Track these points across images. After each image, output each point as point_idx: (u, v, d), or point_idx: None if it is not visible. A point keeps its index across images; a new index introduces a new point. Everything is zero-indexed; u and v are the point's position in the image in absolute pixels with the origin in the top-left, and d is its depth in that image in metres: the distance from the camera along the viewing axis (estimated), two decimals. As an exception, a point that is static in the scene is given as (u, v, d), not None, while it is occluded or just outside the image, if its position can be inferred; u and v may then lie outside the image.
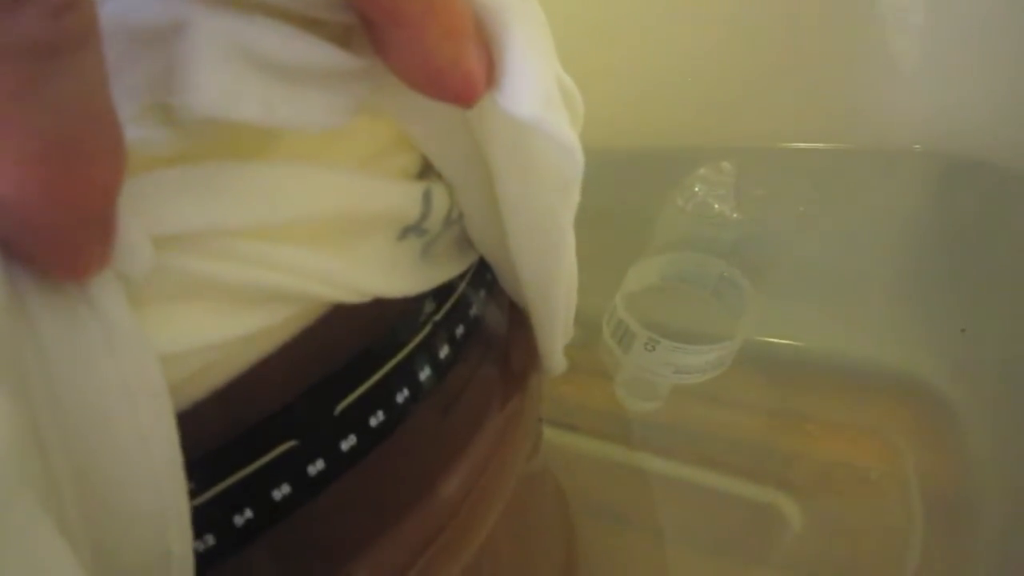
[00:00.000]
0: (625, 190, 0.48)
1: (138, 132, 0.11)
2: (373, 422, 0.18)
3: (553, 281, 0.21)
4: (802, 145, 0.45)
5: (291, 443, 0.16)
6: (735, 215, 0.45)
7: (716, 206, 0.45)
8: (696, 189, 0.45)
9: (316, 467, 0.17)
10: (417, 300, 0.19)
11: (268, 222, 0.14)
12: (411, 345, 0.19)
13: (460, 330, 0.20)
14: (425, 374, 0.19)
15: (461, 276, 0.21)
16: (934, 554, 0.38)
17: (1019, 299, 0.40)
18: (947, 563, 0.37)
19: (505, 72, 0.14)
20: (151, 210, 0.12)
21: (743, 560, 0.40)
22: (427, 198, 0.17)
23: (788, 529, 0.41)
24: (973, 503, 0.39)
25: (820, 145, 0.45)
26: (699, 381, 0.42)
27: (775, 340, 0.49)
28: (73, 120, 0.09)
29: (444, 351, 0.20)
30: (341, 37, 0.14)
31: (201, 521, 0.14)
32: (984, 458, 0.40)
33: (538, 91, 0.14)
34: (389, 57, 0.13)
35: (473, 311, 0.21)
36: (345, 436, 0.17)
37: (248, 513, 0.16)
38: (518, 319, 0.25)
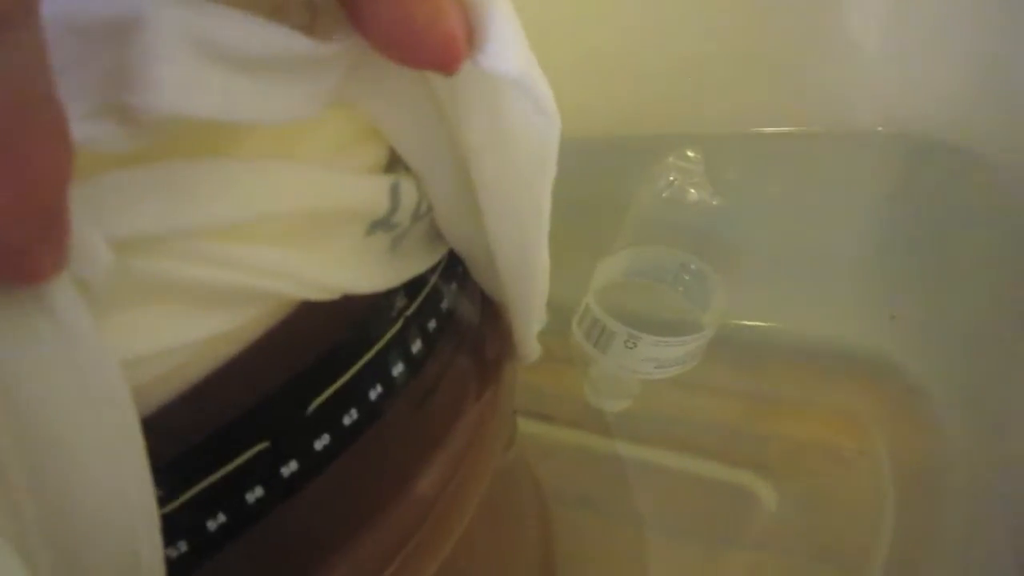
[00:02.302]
0: (592, 178, 0.48)
1: (93, 130, 0.11)
2: (347, 420, 0.17)
3: (529, 262, 0.21)
4: (767, 130, 0.46)
5: (263, 445, 0.16)
6: (715, 202, 0.45)
7: (692, 191, 0.45)
8: (671, 178, 0.45)
9: (289, 468, 0.16)
10: (388, 295, 0.19)
11: (232, 221, 0.13)
12: (383, 341, 0.18)
13: (432, 324, 0.20)
14: (398, 370, 0.19)
15: (432, 270, 0.21)
16: (907, 530, 0.38)
17: (984, 278, 0.41)
18: (919, 538, 0.38)
19: (487, 32, 0.14)
20: (109, 213, 0.11)
21: (719, 542, 0.41)
22: (395, 192, 0.17)
23: (763, 510, 0.41)
24: (943, 479, 0.39)
25: (784, 129, 0.45)
26: (678, 374, 0.42)
27: (746, 323, 0.49)
28: (14, 100, 0.09)
29: (417, 346, 0.19)
30: (305, 24, 0.13)
31: (172, 528, 0.14)
32: (953, 435, 0.40)
33: (521, 50, 0.14)
34: (364, 24, 0.13)
35: (445, 304, 0.21)
36: (318, 436, 0.17)
37: (221, 517, 0.15)
38: (490, 311, 0.24)
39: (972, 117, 0.40)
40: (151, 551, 0.13)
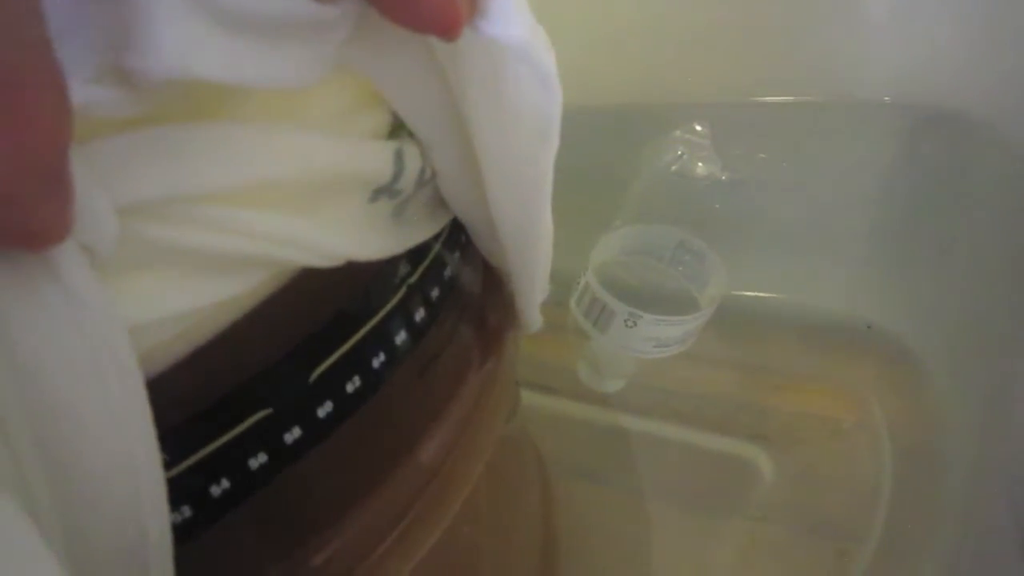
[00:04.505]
0: (596, 149, 0.47)
1: (94, 94, 0.11)
2: (349, 388, 0.17)
3: (532, 232, 0.20)
4: (774, 99, 0.45)
5: (266, 411, 0.16)
6: (724, 176, 0.44)
7: (701, 166, 0.45)
8: (680, 152, 0.45)
9: (292, 435, 0.16)
10: (391, 263, 0.18)
11: (236, 186, 0.13)
12: (386, 309, 0.18)
13: (435, 292, 0.20)
14: (401, 338, 0.19)
15: (435, 237, 0.20)
16: (903, 503, 0.38)
17: (984, 250, 0.40)
18: (916, 511, 0.38)
19: None
20: (114, 178, 0.11)
21: (717, 512, 0.41)
22: (399, 158, 0.17)
23: (761, 481, 0.42)
24: (940, 451, 0.39)
25: (792, 99, 0.45)
26: (676, 353, 0.42)
27: (745, 295, 0.49)
28: (7, 45, 0.09)
29: (420, 314, 0.19)
30: None
31: (177, 492, 0.14)
32: (950, 407, 0.40)
33: (525, 19, 0.14)
34: None
35: (448, 272, 0.21)
36: (321, 403, 0.17)
37: (225, 483, 0.16)
38: (492, 280, 0.24)
39: (981, 88, 0.40)
40: (157, 516, 0.13)
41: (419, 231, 0.20)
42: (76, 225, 0.10)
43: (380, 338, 0.18)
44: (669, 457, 0.44)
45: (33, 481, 0.11)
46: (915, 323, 0.44)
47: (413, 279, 0.19)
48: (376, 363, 0.18)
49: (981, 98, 0.40)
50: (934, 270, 0.43)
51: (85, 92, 0.10)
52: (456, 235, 0.22)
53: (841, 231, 0.47)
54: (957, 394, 0.41)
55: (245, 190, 0.14)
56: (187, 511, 0.15)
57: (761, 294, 0.49)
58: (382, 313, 0.18)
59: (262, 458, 0.16)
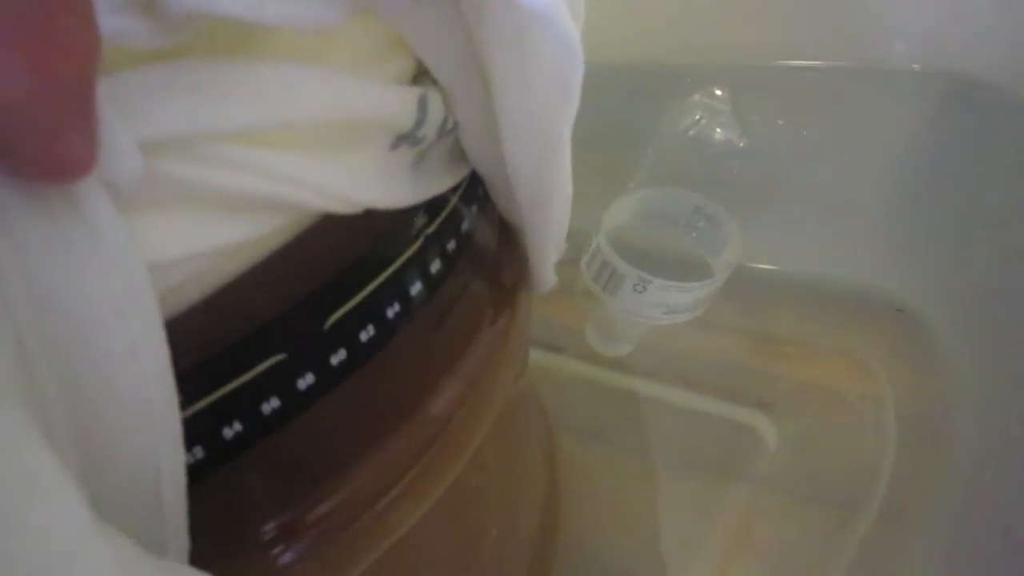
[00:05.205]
0: (613, 109, 0.47)
1: (121, 24, 0.10)
2: (363, 336, 0.17)
3: (549, 192, 0.20)
4: (797, 63, 0.44)
5: (280, 356, 0.16)
6: (741, 143, 0.44)
7: (719, 131, 0.44)
8: (698, 116, 0.44)
9: (306, 381, 0.16)
10: (409, 213, 0.18)
11: (259, 125, 0.13)
12: (402, 259, 0.18)
13: (452, 245, 0.20)
14: (416, 289, 0.19)
15: (453, 190, 0.20)
16: (904, 476, 0.39)
17: (1006, 224, 0.40)
18: (917, 482, 0.38)
19: None
20: (137, 112, 0.11)
21: (720, 478, 0.41)
22: (422, 105, 0.17)
23: (765, 448, 0.42)
24: (946, 424, 0.39)
25: (815, 63, 0.44)
26: (686, 320, 0.42)
27: (759, 263, 0.49)
28: None
29: (435, 266, 0.19)
30: None
31: (190, 433, 0.14)
32: (959, 381, 0.40)
33: None
34: None
35: (465, 226, 0.21)
36: (335, 350, 0.17)
37: (237, 426, 0.16)
38: (508, 236, 0.24)
39: (1009, 57, 0.39)
40: (172, 454, 0.13)
41: (438, 182, 0.19)
42: (100, 161, 0.10)
43: (395, 288, 0.18)
44: (673, 420, 0.44)
45: (53, 408, 0.11)
46: (932, 297, 0.44)
47: (430, 230, 0.19)
48: (391, 313, 0.18)
49: (1011, 69, 0.39)
50: (954, 243, 0.43)
51: (111, 21, 0.10)
52: (474, 189, 0.22)
53: (859, 202, 0.46)
54: (966, 367, 0.40)
55: (268, 130, 0.13)
56: (199, 452, 0.15)
57: (774, 263, 0.49)
58: (398, 263, 0.18)
59: (274, 403, 0.16)
